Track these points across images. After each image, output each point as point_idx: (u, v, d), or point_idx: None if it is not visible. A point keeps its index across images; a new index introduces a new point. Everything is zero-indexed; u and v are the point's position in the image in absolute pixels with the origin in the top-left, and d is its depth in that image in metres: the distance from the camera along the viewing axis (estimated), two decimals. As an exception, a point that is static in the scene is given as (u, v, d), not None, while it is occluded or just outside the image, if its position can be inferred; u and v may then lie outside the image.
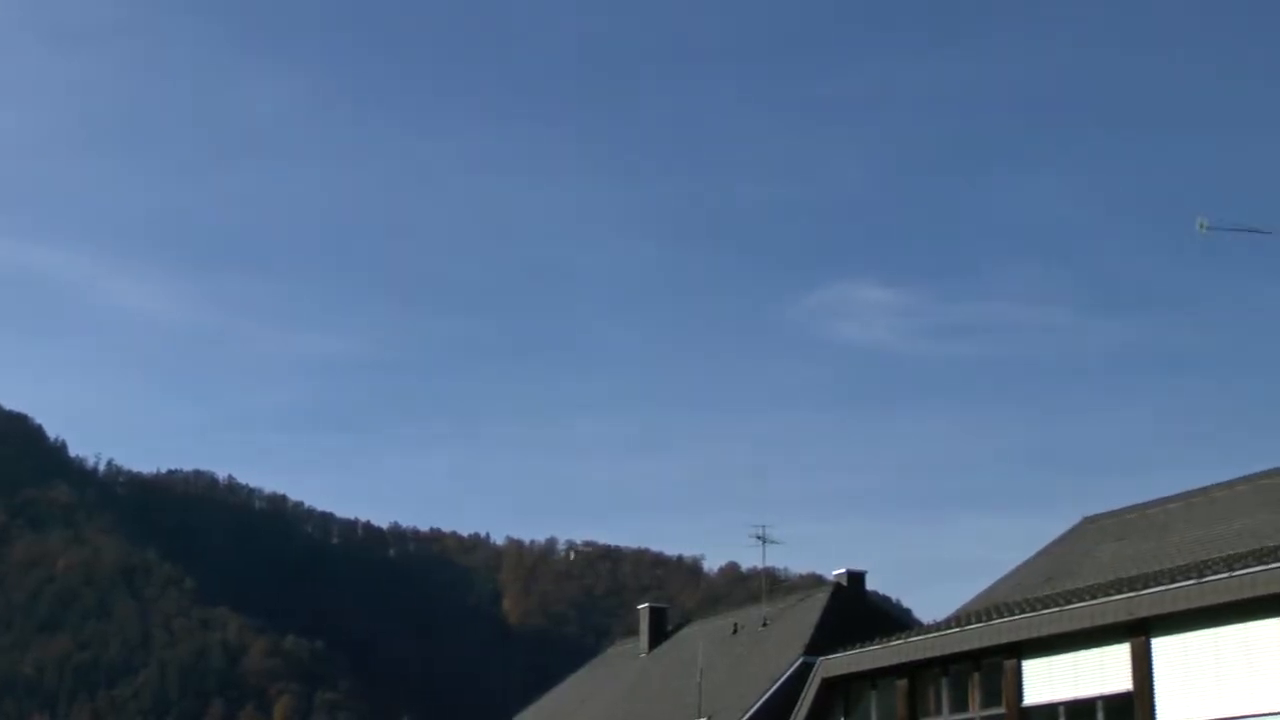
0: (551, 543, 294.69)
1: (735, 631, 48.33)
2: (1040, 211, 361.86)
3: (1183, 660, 24.53)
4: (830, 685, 31.81)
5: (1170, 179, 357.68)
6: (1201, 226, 29.98)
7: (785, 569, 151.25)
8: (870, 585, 49.30)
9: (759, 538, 46.36)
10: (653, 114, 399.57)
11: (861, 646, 31.21)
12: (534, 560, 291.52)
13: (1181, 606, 24.29)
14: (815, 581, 74.99)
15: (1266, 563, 23.28)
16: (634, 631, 56.92)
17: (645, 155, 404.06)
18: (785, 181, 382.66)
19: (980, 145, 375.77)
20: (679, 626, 54.50)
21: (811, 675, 32.65)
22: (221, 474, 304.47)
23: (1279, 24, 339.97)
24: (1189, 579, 24.38)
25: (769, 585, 52.10)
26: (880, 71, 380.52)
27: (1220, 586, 23.61)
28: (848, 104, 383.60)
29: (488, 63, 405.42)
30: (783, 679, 41.17)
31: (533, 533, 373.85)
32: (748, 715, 40.79)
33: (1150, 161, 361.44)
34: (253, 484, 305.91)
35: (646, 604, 56.05)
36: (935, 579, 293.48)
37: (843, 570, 47.50)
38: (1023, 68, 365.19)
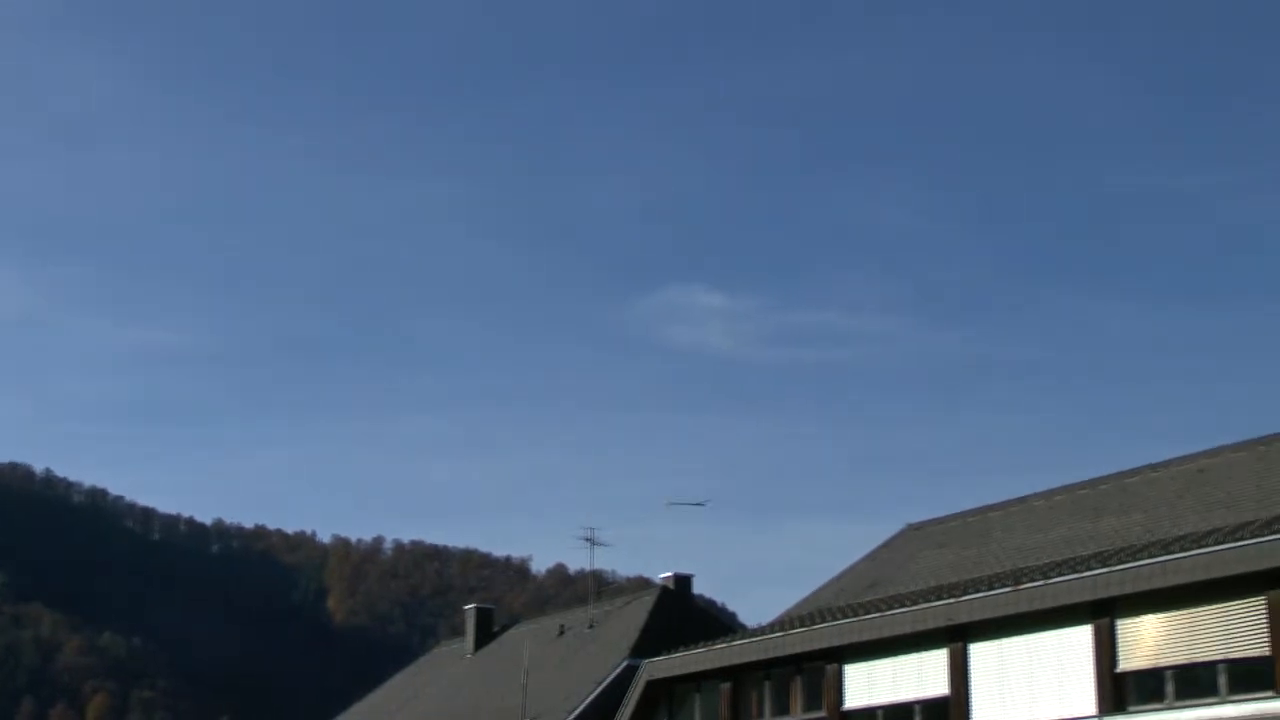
0: (378, 541, 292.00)
1: (561, 633, 48.32)
2: (876, 220, 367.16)
3: (998, 666, 25.04)
4: (655, 687, 31.93)
5: (1007, 190, 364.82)
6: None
7: (613, 571, 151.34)
8: (697, 589, 49.68)
9: (587, 540, 46.47)
10: (499, 113, 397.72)
11: (686, 649, 31.38)
12: (360, 559, 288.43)
13: (998, 613, 24.78)
14: (643, 584, 75.22)
15: (1079, 571, 23.87)
16: (460, 632, 56.67)
17: (488, 154, 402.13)
18: (626, 183, 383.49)
19: (819, 153, 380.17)
20: (505, 627, 54.38)
21: (636, 677, 32.74)
22: (39, 467, 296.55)
23: (1126, 39, 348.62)
24: (1006, 587, 24.89)
25: (596, 587, 52.19)
26: (723, 76, 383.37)
27: (1036, 594, 24.15)
28: (690, 108, 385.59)
29: (334, 56, 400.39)
30: (607, 681, 41.25)
31: (360, 531, 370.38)
32: (572, 717, 40.79)
33: (988, 173, 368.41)
34: (72, 477, 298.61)
35: (473, 605, 55.87)
36: (762, 583, 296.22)
37: (670, 573, 47.74)
38: (863, 76, 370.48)
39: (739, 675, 30.05)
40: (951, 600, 25.64)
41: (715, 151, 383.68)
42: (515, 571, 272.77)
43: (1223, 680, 21.82)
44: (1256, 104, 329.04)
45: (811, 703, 28.47)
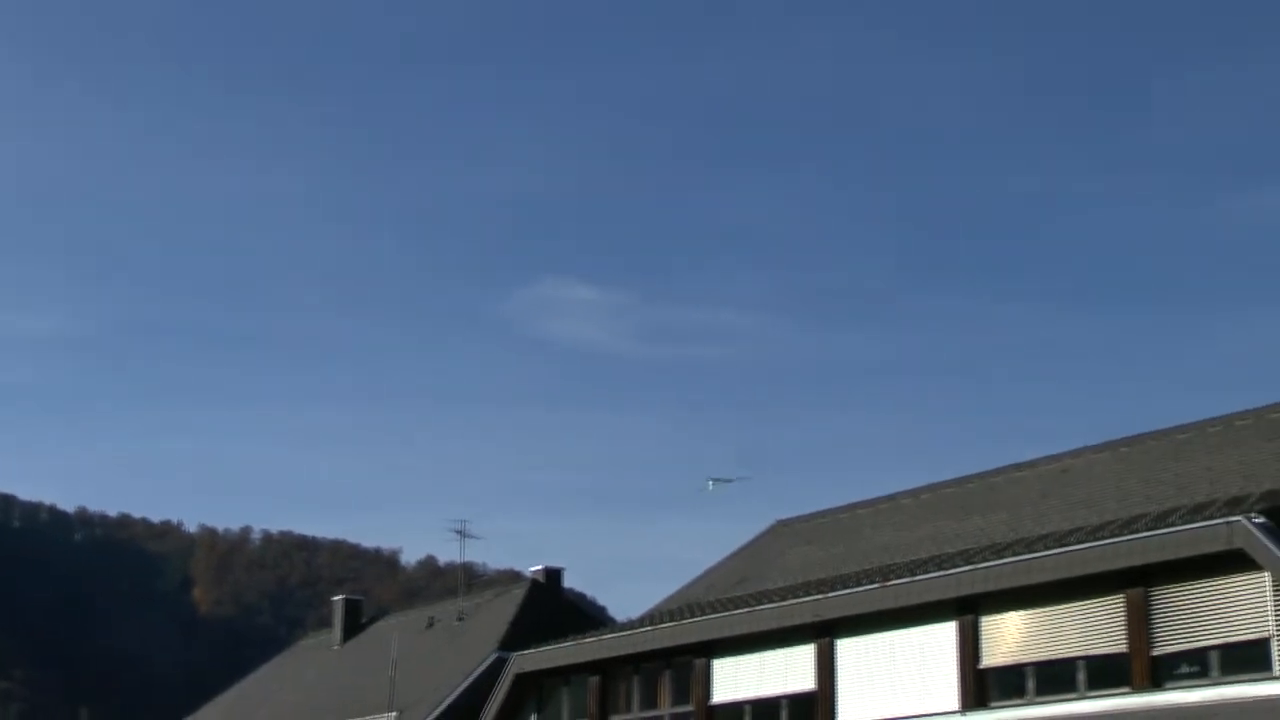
0: (246, 531, 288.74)
1: (430, 625, 48.11)
2: (752, 219, 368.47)
3: (864, 661, 25.33)
4: (523, 681, 31.90)
5: (882, 192, 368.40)
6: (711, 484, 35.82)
7: (484, 564, 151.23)
8: (568, 582, 49.66)
9: (458, 532, 46.31)
10: (377, 104, 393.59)
11: (555, 643, 31.39)
12: (227, 549, 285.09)
13: (865, 610, 25.08)
14: (513, 577, 75.14)
15: (945, 569, 24.23)
16: (328, 623, 56.25)
17: (366, 145, 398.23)
18: (502, 175, 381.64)
19: (695, 149, 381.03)
20: (374, 619, 54.04)
21: (505, 670, 32.69)
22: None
23: (1017, 42, 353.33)
24: (873, 584, 25.20)
25: (466, 580, 52.04)
26: (601, 69, 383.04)
27: (902, 591, 24.47)
28: (568, 100, 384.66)
29: (211, 41, 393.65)
30: (476, 674, 41.10)
31: (227, 520, 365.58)
32: (439, 710, 40.60)
33: (863, 174, 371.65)
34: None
35: (341, 596, 55.48)
36: (633, 578, 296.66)
37: (540, 567, 47.73)
38: (743, 73, 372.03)
39: (608, 669, 30.11)
40: (819, 596, 25.89)
41: (592, 145, 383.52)
42: (385, 563, 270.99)
43: (1081, 676, 22.28)
44: (1126, 112, 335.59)
45: (679, 697, 28.61)
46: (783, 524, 36.02)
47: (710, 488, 38.28)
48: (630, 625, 31.37)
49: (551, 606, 45.39)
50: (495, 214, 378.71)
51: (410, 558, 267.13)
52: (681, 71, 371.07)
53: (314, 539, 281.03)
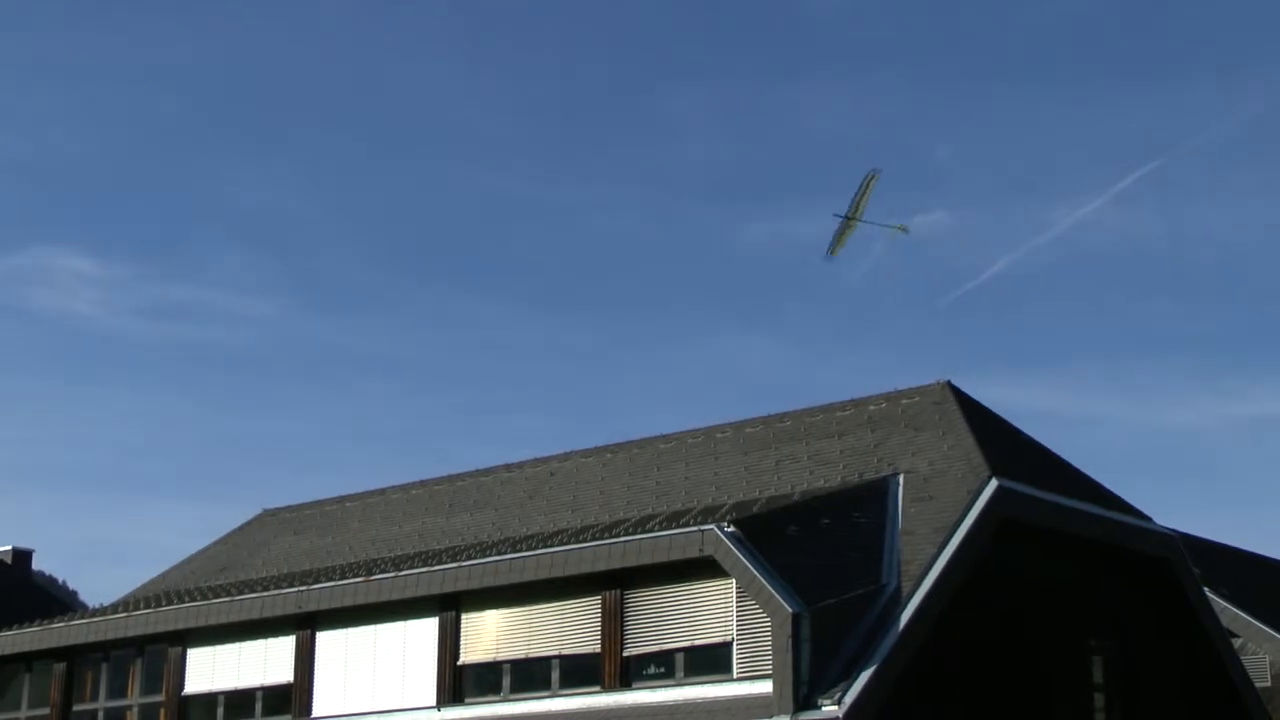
0: None
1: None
2: (258, 201, 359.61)
3: (343, 654, 25.23)
4: (-19, 667, 30.28)
5: (388, 185, 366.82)
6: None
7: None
8: (38, 565, 47.70)
9: (-82, 507, 43.64)
10: None
11: (19, 628, 29.93)
12: None
13: (348, 603, 24.97)
14: (-22, 557, 71.08)
15: (430, 565, 24.40)
16: None
17: None
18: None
19: (205, 126, 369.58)
20: None
21: (-39, 656, 30.94)
22: None
23: (512, 53, 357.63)
24: (357, 577, 25.12)
25: (-75, 558, 48.96)
26: (106, 29, 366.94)
27: (385, 585, 24.49)
28: (68, 60, 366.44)
29: None
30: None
31: None
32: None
33: (368, 170, 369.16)
34: None
35: None
36: (111, 562, 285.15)
37: (8, 547, 45.63)
38: (258, 55, 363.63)
39: (75, 656, 28.90)
40: (302, 588, 25.63)
41: (95, 110, 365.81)
42: None
43: (556, 675, 22.84)
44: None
45: (150, 686, 27.74)
46: (269, 513, 35.55)
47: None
48: (102, 611, 30.23)
49: (18, 589, 43.48)
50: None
51: None
52: (190, 42, 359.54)
53: None
